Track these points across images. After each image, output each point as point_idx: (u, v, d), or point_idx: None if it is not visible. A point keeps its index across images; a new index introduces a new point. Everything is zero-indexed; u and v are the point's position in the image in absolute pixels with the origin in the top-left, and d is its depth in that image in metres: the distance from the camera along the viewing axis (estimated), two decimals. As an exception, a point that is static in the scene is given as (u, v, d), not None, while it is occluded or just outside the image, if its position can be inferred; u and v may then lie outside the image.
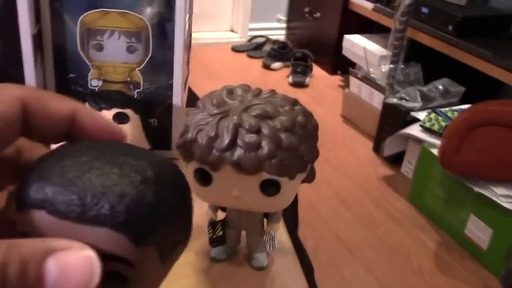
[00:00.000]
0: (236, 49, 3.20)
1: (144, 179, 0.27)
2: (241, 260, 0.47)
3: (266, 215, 0.45)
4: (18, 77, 0.52)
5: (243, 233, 0.47)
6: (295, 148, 0.38)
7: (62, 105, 0.29)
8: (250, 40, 3.29)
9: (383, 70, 2.30)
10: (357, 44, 2.53)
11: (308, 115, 0.41)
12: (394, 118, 2.06)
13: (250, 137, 0.37)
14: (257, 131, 0.37)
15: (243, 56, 3.15)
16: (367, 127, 2.33)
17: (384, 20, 2.36)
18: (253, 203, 0.40)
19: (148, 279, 0.29)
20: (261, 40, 3.26)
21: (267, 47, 3.13)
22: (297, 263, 0.47)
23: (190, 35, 0.64)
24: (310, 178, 0.43)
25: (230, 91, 0.41)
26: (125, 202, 0.26)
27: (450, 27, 2.02)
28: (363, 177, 2.07)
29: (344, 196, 1.94)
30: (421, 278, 1.56)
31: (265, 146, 0.37)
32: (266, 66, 2.97)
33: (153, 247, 0.28)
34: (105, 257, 0.27)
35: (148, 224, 0.27)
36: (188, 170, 0.40)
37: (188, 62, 0.66)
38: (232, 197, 0.39)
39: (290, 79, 2.78)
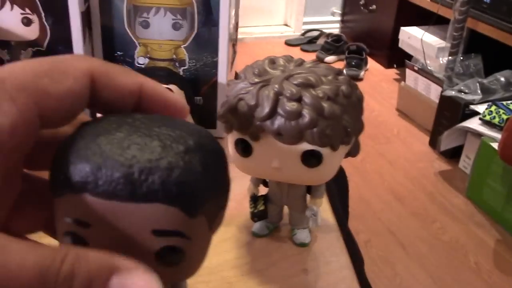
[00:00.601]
0: (289, 43, 3.19)
1: (187, 149, 0.26)
2: (283, 236, 0.46)
3: (309, 190, 0.44)
4: (69, 54, 0.53)
5: (286, 210, 0.46)
6: (338, 117, 0.37)
7: (129, 79, 0.28)
8: (304, 34, 3.27)
9: (441, 62, 2.23)
10: (414, 36, 2.46)
11: (352, 85, 0.39)
12: (452, 111, 1.99)
13: (291, 105, 0.36)
14: (298, 100, 0.36)
15: (297, 50, 3.13)
16: (423, 120, 2.26)
17: (442, 11, 2.28)
18: (294, 175, 0.39)
19: (200, 248, 0.29)
20: (315, 33, 3.23)
21: (321, 41, 3.10)
22: (340, 241, 0.46)
23: (236, 16, 0.64)
24: (354, 151, 0.41)
25: (272, 61, 0.40)
26: (175, 174, 0.25)
27: (514, 17, 1.92)
28: (419, 171, 2.01)
29: (398, 191, 1.89)
30: (478, 276, 1.50)
31: (306, 114, 0.36)
32: (320, 60, 2.94)
33: (204, 216, 0.27)
34: (159, 233, 0.26)
35: (199, 194, 0.26)
36: (229, 141, 0.40)
37: (234, 45, 0.66)
38: (273, 169, 0.39)
39: (344, 73, 2.73)
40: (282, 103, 0.36)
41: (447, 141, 1.96)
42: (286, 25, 3.42)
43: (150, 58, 0.56)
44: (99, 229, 0.27)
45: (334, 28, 3.32)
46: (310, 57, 3.00)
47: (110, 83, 0.27)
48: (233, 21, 0.57)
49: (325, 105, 0.36)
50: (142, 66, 0.56)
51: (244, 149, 0.39)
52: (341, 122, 0.37)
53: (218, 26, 0.54)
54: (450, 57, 2.15)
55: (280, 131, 0.37)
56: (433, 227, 1.72)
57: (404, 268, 1.54)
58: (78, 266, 0.22)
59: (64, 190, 0.26)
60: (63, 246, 0.23)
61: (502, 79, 1.98)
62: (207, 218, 0.28)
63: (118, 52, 0.56)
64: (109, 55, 0.56)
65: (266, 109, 0.36)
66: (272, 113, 0.36)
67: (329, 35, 3.10)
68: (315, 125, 0.36)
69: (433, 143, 2.12)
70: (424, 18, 2.44)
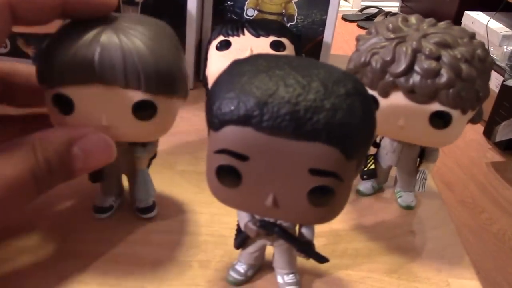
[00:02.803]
0: (346, 18, 3.14)
1: (347, 92, 0.26)
2: (386, 197, 0.46)
3: (420, 155, 0.44)
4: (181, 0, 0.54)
5: (391, 172, 0.46)
6: (473, 81, 0.36)
7: None
8: (361, 10, 3.21)
9: (505, 50, 2.15)
10: (478, 21, 2.38)
11: (486, 49, 0.38)
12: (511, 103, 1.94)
13: (430, 63, 0.35)
14: (437, 59, 0.36)
15: (353, 26, 3.08)
16: (479, 109, 2.21)
17: (512, -3, 2.20)
18: (417, 135, 0.39)
19: (347, 191, 0.29)
20: (373, 11, 3.17)
21: (379, 19, 3.04)
22: (444, 209, 0.45)
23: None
24: (477, 118, 0.41)
25: (405, 19, 0.40)
26: (338, 116, 0.25)
27: None
28: (470, 160, 1.98)
29: (448, 178, 1.86)
30: (525, 270, 1.48)
31: (445, 74, 0.35)
32: (376, 38, 2.88)
33: (356, 160, 0.27)
34: (316, 172, 0.26)
35: (358, 137, 0.26)
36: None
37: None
38: (398, 127, 0.38)
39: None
40: (420, 61, 0.36)
41: (504, 132, 1.91)
42: None
43: (259, 10, 0.56)
44: (257, 163, 0.27)
45: (394, 7, 3.24)
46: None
47: None
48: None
49: (463, 66, 0.36)
50: (251, 17, 0.56)
51: (370, 104, 0.39)
52: (475, 86, 0.37)
53: (331, -17, 0.54)
54: (515, 46, 2.08)
55: (414, 89, 0.36)
56: (481, 217, 1.70)
57: (449, 254, 1.52)
58: (46, 151, 0.27)
59: (226, 123, 0.26)
60: (25, 139, 0.28)
61: None
62: (357, 162, 0.28)
63: (228, 2, 0.56)
64: (219, 3, 0.56)
65: (402, 65, 0.36)
66: (408, 70, 0.36)
67: (388, 13, 3.04)
68: (452, 85, 0.36)
69: (488, 133, 2.07)
70: (491, 4, 2.36)
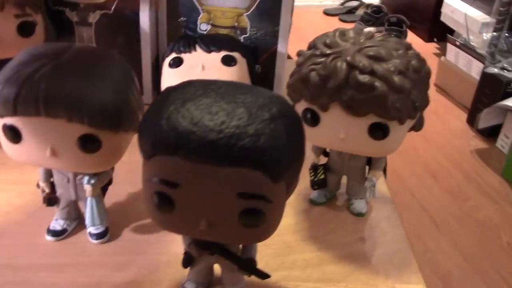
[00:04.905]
0: (328, 12, 3.14)
1: (272, 116, 0.27)
2: (339, 205, 0.47)
3: (369, 162, 0.45)
4: (135, 18, 0.54)
5: (343, 179, 0.47)
6: (407, 92, 0.37)
7: None
8: (343, 3, 3.21)
9: (484, 38, 2.16)
10: (457, 10, 2.39)
11: (421, 60, 0.40)
12: (493, 89, 1.95)
13: (363, 78, 0.37)
14: (370, 72, 0.37)
15: (335, 20, 3.08)
16: (462, 97, 2.22)
17: (489, -15, 2.21)
18: (359, 146, 0.40)
19: (278, 211, 0.30)
20: (355, 3, 3.17)
21: (361, 11, 3.04)
22: (396, 213, 0.46)
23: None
24: (418, 126, 0.42)
25: (343, 33, 0.41)
26: (261, 140, 0.26)
27: None
28: (455, 149, 1.99)
29: (433, 167, 1.88)
30: (510, 256, 1.50)
31: (378, 87, 0.36)
32: (358, 31, 2.88)
33: (284, 181, 0.28)
34: (244, 195, 0.28)
35: (283, 160, 0.28)
36: (296, 110, 0.41)
37: (291, 15, 0.66)
38: (339, 139, 0.39)
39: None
40: (354, 75, 0.37)
41: (486, 119, 1.92)
42: (325, -7, 3.37)
43: (212, 25, 0.57)
44: (187, 190, 0.28)
45: (375, -1, 3.25)
46: (348, 27, 2.94)
47: None
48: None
49: (396, 78, 0.37)
50: (205, 32, 0.57)
51: (312, 119, 0.40)
52: (410, 97, 0.38)
53: (281, -5, 0.54)
54: (494, 33, 2.09)
55: (350, 103, 0.37)
56: (467, 205, 1.71)
57: (435, 244, 1.54)
58: None
59: (155, 152, 0.28)
60: None
61: (548, 58, 1.92)
62: (286, 183, 0.29)
63: (182, 18, 0.57)
64: (173, 20, 0.57)
65: (338, 80, 0.37)
66: (344, 85, 0.37)
67: (369, 5, 3.04)
68: (385, 97, 0.37)
69: (471, 120, 2.08)
70: (470, -8, 2.37)
